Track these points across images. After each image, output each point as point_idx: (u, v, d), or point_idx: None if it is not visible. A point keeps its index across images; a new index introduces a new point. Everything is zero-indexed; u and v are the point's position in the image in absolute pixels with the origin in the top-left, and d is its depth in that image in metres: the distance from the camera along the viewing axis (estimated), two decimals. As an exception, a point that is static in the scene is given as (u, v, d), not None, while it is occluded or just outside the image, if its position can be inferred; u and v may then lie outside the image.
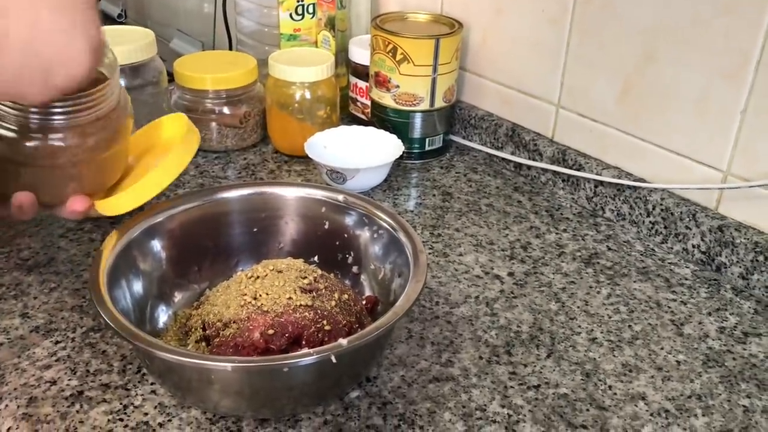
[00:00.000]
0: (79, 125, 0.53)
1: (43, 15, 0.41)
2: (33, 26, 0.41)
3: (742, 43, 0.66)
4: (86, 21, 0.43)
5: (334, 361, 0.47)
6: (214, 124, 0.91)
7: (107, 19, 1.56)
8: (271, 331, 0.53)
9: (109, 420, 0.52)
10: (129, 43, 0.82)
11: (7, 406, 0.53)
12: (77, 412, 0.53)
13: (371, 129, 0.91)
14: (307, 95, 0.90)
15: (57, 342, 0.60)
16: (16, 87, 0.43)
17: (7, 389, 0.55)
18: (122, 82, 0.83)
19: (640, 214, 0.78)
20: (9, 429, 0.52)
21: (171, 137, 0.64)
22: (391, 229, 0.60)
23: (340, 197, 0.64)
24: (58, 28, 0.42)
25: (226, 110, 0.91)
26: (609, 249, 0.75)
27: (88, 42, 0.43)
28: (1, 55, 0.40)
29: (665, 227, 0.75)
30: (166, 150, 0.61)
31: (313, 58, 0.91)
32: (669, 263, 0.73)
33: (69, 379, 0.56)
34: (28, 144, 0.52)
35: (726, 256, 0.70)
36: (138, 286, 0.58)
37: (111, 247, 0.56)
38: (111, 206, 0.58)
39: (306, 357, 0.47)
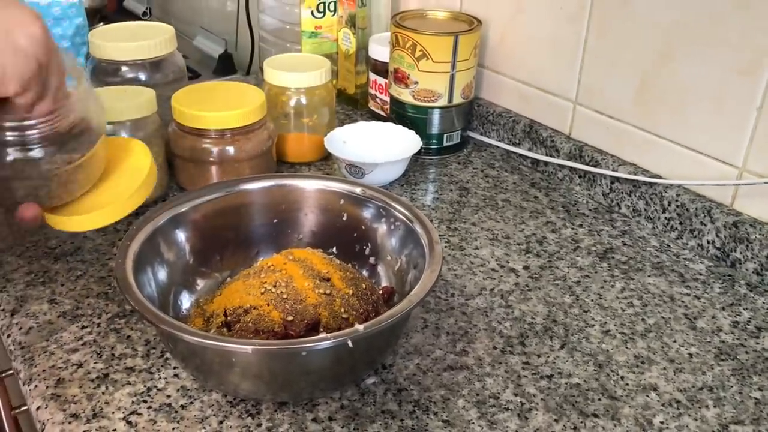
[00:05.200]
0: (55, 139, 0.55)
1: None
2: None
3: (759, 39, 0.67)
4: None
5: (350, 345, 0.48)
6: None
7: (132, 16, 1.58)
8: (290, 318, 0.55)
9: (133, 402, 0.54)
10: (149, 39, 0.84)
11: (36, 386, 0.55)
12: (103, 393, 0.55)
13: (390, 125, 0.92)
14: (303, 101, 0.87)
15: (83, 327, 0.62)
16: None
17: (36, 371, 0.57)
18: (143, 77, 0.85)
19: (656, 210, 0.78)
20: (38, 408, 0.54)
21: (135, 166, 0.63)
22: (407, 221, 0.62)
23: (358, 190, 0.65)
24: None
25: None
26: (624, 244, 0.76)
27: (30, 10, 0.51)
28: None
29: (680, 223, 0.76)
30: (129, 177, 0.61)
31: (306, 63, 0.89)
32: (684, 259, 0.74)
33: (95, 362, 0.58)
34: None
35: (741, 252, 0.71)
36: (162, 274, 0.60)
37: (137, 235, 0.58)
38: (61, 223, 0.58)
39: (323, 341, 0.48)
